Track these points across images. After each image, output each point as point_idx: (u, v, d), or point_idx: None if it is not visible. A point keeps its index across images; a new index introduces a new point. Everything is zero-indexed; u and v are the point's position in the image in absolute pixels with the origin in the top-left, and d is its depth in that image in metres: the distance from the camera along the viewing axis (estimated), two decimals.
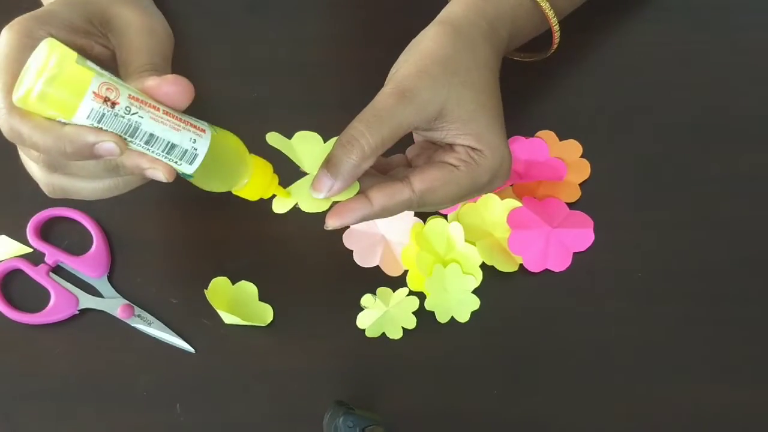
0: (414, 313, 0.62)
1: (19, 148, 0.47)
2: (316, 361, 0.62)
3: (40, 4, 0.50)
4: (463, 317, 0.63)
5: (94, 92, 0.40)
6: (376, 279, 0.63)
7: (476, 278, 0.63)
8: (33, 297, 0.63)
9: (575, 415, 0.61)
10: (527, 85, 0.68)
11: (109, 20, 0.47)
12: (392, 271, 0.64)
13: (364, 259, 0.64)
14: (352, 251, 0.64)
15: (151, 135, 0.42)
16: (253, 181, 0.48)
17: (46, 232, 0.65)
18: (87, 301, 0.63)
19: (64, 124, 0.41)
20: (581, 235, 0.65)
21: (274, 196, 0.51)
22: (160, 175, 0.44)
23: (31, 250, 0.64)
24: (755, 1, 0.74)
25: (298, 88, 0.70)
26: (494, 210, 0.64)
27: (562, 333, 0.63)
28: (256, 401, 0.61)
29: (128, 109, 0.41)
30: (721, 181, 0.67)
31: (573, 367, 0.62)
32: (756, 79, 0.71)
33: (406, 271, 0.64)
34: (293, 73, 0.70)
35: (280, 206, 0.52)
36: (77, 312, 0.63)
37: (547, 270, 0.64)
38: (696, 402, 0.62)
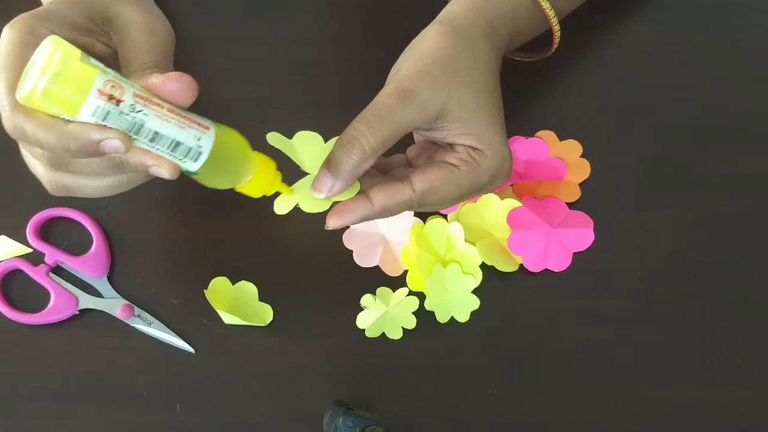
0: (414, 313, 0.62)
1: (21, 146, 0.47)
2: (316, 361, 0.62)
3: (40, 4, 0.50)
4: (463, 317, 0.63)
5: (98, 90, 0.40)
6: (376, 279, 0.63)
7: (476, 278, 0.63)
8: (33, 297, 0.63)
9: (575, 415, 0.61)
10: (527, 85, 0.68)
11: (111, 19, 0.47)
12: (392, 271, 0.64)
13: (364, 259, 0.64)
14: (352, 251, 0.64)
15: (156, 133, 0.42)
16: (256, 178, 0.48)
17: (46, 232, 0.65)
18: (87, 302, 0.63)
19: (68, 121, 0.41)
20: (581, 235, 0.65)
21: (277, 193, 0.51)
22: (165, 173, 0.44)
23: (30, 250, 0.64)
24: (755, 1, 0.74)
25: (298, 88, 0.70)
26: (494, 210, 0.64)
27: (562, 333, 0.63)
28: (256, 401, 0.61)
29: (133, 106, 0.41)
30: (721, 181, 0.67)
31: (573, 367, 0.62)
32: (756, 79, 0.71)
33: (406, 271, 0.64)
34: (293, 73, 0.70)
35: (281, 207, 0.52)
36: (77, 312, 0.62)
37: (547, 270, 0.64)
38: (696, 402, 0.62)
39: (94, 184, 0.47)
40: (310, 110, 0.67)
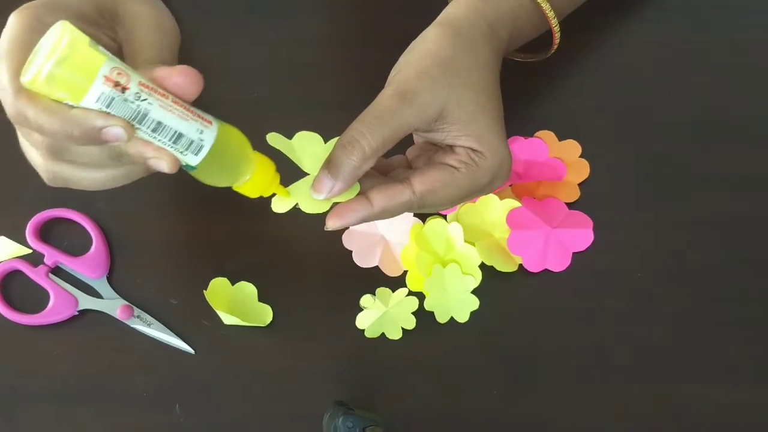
0: (413, 313, 0.62)
1: (19, 135, 0.46)
2: (316, 362, 0.62)
3: None
4: (462, 317, 0.63)
5: (105, 76, 0.40)
6: (376, 279, 0.63)
7: (476, 278, 0.63)
8: (32, 298, 0.63)
9: (575, 415, 0.61)
10: (527, 85, 0.68)
11: (118, 13, 0.47)
12: (392, 272, 0.64)
13: (364, 259, 0.64)
14: (351, 251, 0.64)
15: (159, 123, 0.42)
16: (255, 178, 0.48)
17: (46, 233, 0.65)
18: (86, 302, 0.63)
19: (72, 107, 0.41)
20: (581, 235, 0.65)
21: (273, 195, 0.51)
22: (164, 165, 0.44)
23: (30, 251, 0.64)
24: (755, 1, 0.74)
25: (298, 88, 0.70)
26: (494, 210, 0.64)
27: (562, 333, 0.63)
28: (255, 402, 0.61)
29: (138, 95, 0.41)
30: (720, 181, 0.67)
31: (572, 367, 0.62)
32: (756, 79, 0.71)
33: (405, 272, 0.64)
34: (293, 73, 0.70)
35: (279, 206, 0.52)
36: (77, 313, 0.63)
37: (546, 270, 0.64)
38: (696, 402, 0.62)
39: (92, 176, 0.46)
40: (310, 110, 0.67)
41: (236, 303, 0.63)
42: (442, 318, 0.63)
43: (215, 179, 0.47)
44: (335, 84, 0.70)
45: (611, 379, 0.62)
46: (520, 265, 0.64)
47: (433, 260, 0.63)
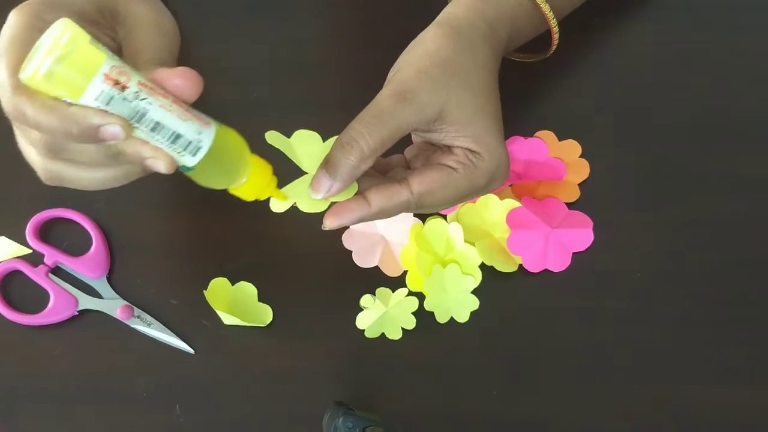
0: (413, 313, 0.62)
1: (17, 132, 0.46)
2: (316, 362, 0.62)
3: None
4: (462, 317, 0.63)
5: (105, 74, 0.40)
6: (376, 279, 0.63)
7: (475, 278, 0.63)
8: (32, 298, 0.63)
9: (575, 416, 0.61)
10: (526, 85, 0.68)
11: (119, 13, 0.47)
12: (391, 272, 0.64)
13: (364, 259, 0.64)
14: (351, 252, 0.64)
15: (158, 123, 0.42)
16: (251, 180, 0.48)
17: (46, 233, 0.65)
18: (86, 302, 0.63)
19: (70, 104, 0.41)
20: (580, 235, 0.65)
21: (269, 198, 0.51)
22: (161, 165, 0.43)
23: (30, 251, 0.64)
24: (755, 1, 0.74)
25: (298, 88, 0.70)
26: (493, 210, 0.64)
27: (562, 333, 0.63)
28: (255, 402, 0.61)
29: (137, 94, 0.41)
30: (720, 182, 0.67)
31: (572, 368, 0.62)
32: (756, 79, 0.71)
33: (405, 272, 0.64)
34: (293, 73, 0.70)
35: (278, 205, 0.52)
36: (76, 313, 0.63)
37: (546, 270, 0.64)
38: (696, 402, 0.62)
39: (89, 176, 0.46)
40: (310, 110, 0.67)
41: (236, 303, 0.63)
42: (442, 318, 0.63)
43: (212, 181, 0.47)
44: (335, 84, 0.70)
45: (611, 379, 0.62)
46: (520, 266, 0.64)
47: (433, 260, 0.63)
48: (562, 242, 0.64)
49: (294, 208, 0.52)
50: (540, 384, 0.62)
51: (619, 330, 0.63)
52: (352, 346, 0.63)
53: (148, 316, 0.63)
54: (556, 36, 0.62)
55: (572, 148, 0.68)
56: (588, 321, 0.64)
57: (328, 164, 0.49)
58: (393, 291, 0.62)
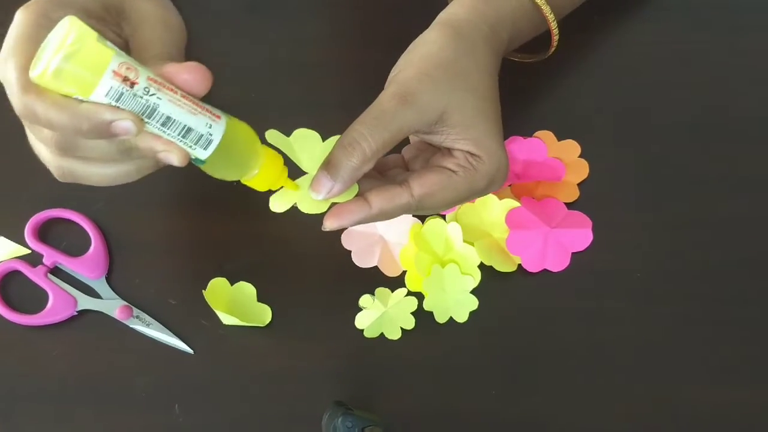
0: (412, 313, 0.62)
1: (28, 131, 0.46)
2: (315, 362, 0.62)
3: None
4: (461, 317, 0.63)
5: (113, 71, 0.40)
6: (375, 279, 0.63)
7: (475, 278, 0.63)
8: (31, 298, 0.63)
9: (574, 415, 0.61)
10: (526, 85, 0.68)
11: (124, 9, 0.47)
12: (391, 272, 0.64)
13: (363, 259, 0.64)
14: (350, 252, 0.64)
15: (168, 117, 0.42)
16: (263, 171, 0.48)
17: (44, 233, 0.65)
18: (85, 303, 0.63)
19: (81, 101, 0.41)
20: (580, 235, 0.65)
21: (281, 187, 0.50)
22: (174, 159, 0.43)
23: (29, 251, 0.64)
24: (755, 1, 0.74)
25: (298, 88, 0.70)
26: (493, 210, 0.64)
27: (561, 333, 0.63)
28: (254, 402, 0.61)
29: (147, 89, 0.41)
30: (720, 182, 0.67)
31: (572, 367, 0.62)
32: (755, 79, 0.71)
33: (404, 272, 0.64)
34: (293, 73, 0.70)
35: (277, 205, 0.52)
36: (75, 313, 0.63)
37: (545, 270, 0.64)
38: (695, 402, 0.62)
39: (102, 171, 0.46)
40: (310, 110, 0.67)
41: (235, 303, 0.63)
42: (441, 318, 0.63)
43: (224, 173, 0.47)
44: (335, 84, 0.70)
45: (610, 379, 0.62)
46: (519, 265, 0.64)
47: (432, 260, 0.63)
48: (561, 242, 0.64)
49: (293, 209, 0.51)
50: (539, 384, 0.62)
51: (619, 330, 0.63)
52: (351, 346, 0.63)
53: (147, 316, 0.63)
54: (555, 37, 0.62)
55: (571, 148, 0.68)
56: (587, 321, 0.64)
57: (329, 165, 0.49)
58: (392, 291, 0.62)
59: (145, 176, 0.48)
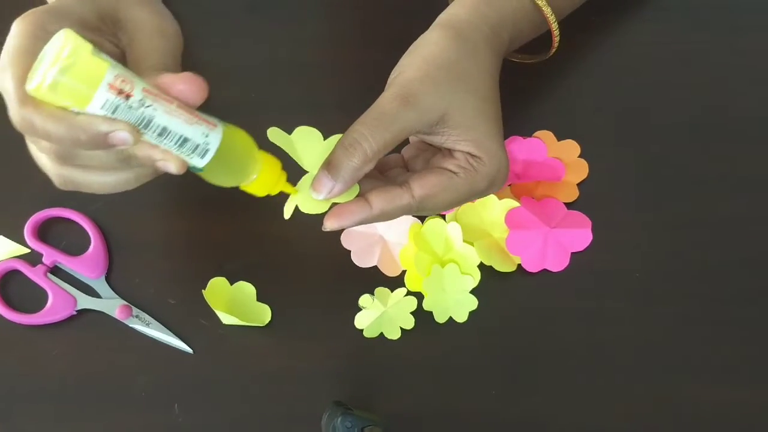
0: (412, 313, 0.62)
1: (27, 140, 0.47)
2: (314, 362, 0.62)
3: (45, 1, 0.50)
4: (461, 317, 0.63)
5: (109, 83, 0.40)
6: (375, 279, 0.63)
7: (474, 278, 0.63)
8: (31, 298, 0.63)
9: (574, 415, 0.61)
10: (525, 84, 0.68)
11: (120, 19, 0.47)
12: (390, 272, 0.64)
13: (363, 259, 0.64)
14: (350, 251, 0.64)
15: (164, 128, 0.42)
16: (261, 177, 0.48)
17: (44, 232, 0.65)
18: (85, 302, 0.63)
19: (78, 113, 0.41)
20: (579, 235, 0.65)
21: (281, 193, 0.51)
22: (172, 167, 0.44)
23: (28, 250, 0.64)
24: (755, 1, 0.74)
25: (298, 88, 0.70)
26: (492, 210, 0.64)
27: (561, 333, 0.63)
28: (254, 402, 0.61)
29: (142, 101, 0.41)
30: (719, 182, 0.67)
31: (572, 367, 0.62)
32: (755, 79, 0.71)
33: (404, 272, 0.64)
34: (293, 73, 0.70)
35: (288, 211, 0.52)
36: (75, 313, 0.62)
37: (545, 270, 0.64)
38: (695, 402, 0.62)
39: (102, 180, 0.47)
40: (309, 110, 0.66)
41: (235, 303, 0.63)
42: (440, 318, 0.63)
43: (222, 180, 0.47)
44: (335, 84, 0.70)
45: (610, 379, 0.62)
46: (519, 265, 0.64)
47: (432, 260, 0.63)
48: (560, 242, 0.64)
49: (296, 209, 0.51)
50: (539, 384, 0.62)
51: (618, 330, 0.63)
52: (350, 346, 0.63)
53: (146, 315, 0.63)
54: (556, 37, 0.62)
55: (571, 148, 0.68)
56: (587, 321, 0.64)
57: (330, 165, 0.49)
58: (392, 291, 0.62)
59: (149, 180, 0.48)
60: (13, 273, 0.63)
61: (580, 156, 0.67)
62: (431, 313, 0.63)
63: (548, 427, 0.61)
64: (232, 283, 0.63)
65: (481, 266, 0.63)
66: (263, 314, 0.63)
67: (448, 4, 0.58)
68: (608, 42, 0.72)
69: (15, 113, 0.42)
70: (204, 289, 0.62)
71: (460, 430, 0.61)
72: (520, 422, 0.61)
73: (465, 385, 0.62)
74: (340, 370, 0.62)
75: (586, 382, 0.62)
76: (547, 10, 0.60)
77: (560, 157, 0.67)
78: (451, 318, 0.63)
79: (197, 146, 0.44)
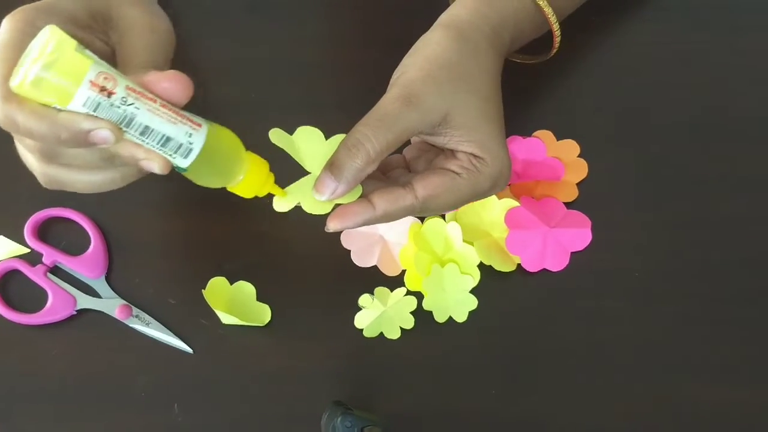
0: (412, 313, 0.62)
1: (15, 140, 0.47)
2: (314, 361, 0.62)
3: None
4: (461, 317, 0.63)
5: (91, 81, 0.40)
6: (374, 279, 0.63)
7: (474, 278, 0.63)
8: (30, 297, 0.63)
9: (573, 415, 0.61)
10: (525, 84, 0.68)
11: (111, 17, 0.47)
12: (390, 271, 0.64)
13: (362, 259, 0.64)
14: (350, 251, 0.64)
15: (147, 127, 0.42)
16: (248, 178, 0.48)
17: (44, 232, 0.65)
18: (85, 302, 0.63)
19: (60, 110, 0.41)
20: (579, 234, 0.65)
21: (269, 194, 0.51)
22: (155, 167, 0.44)
23: (28, 250, 0.64)
24: (755, 1, 0.74)
25: (298, 88, 0.70)
26: (492, 210, 0.64)
27: (560, 332, 0.63)
28: (254, 401, 0.61)
29: (124, 99, 0.41)
30: (719, 182, 0.67)
31: (571, 367, 0.62)
32: (755, 79, 0.71)
33: (404, 271, 0.64)
34: (293, 73, 0.70)
35: (281, 205, 0.52)
36: (75, 312, 0.62)
37: (544, 270, 0.64)
38: (695, 401, 0.62)
39: (87, 179, 0.47)
40: (310, 110, 0.66)
41: (235, 302, 0.63)
42: (440, 317, 0.63)
43: (208, 180, 0.47)
44: (335, 84, 0.70)
45: (610, 378, 0.62)
46: (519, 265, 0.64)
47: (432, 260, 0.63)
48: (560, 242, 0.64)
49: (296, 208, 0.51)
50: (539, 383, 0.62)
51: (618, 329, 0.63)
52: (350, 346, 0.62)
53: (146, 315, 0.63)
54: (557, 38, 0.62)
55: (571, 147, 0.68)
56: (586, 320, 0.64)
57: (332, 166, 0.49)
58: (391, 290, 0.62)
59: (143, 176, 0.48)
60: (13, 273, 0.64)
61: (579, 156, 0.67)
62: (431, 312, 0.63)
63: (548, 427, 0.61)
64: (232, 283, 0.63)
65: (481, 266, 0.64)
66: (263, 314, 0.63)
67: (448, 5, 0.58)
68: (608, 42, 0.72)
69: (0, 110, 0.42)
70: (204, 288, 0.62)
71: (460, 430, 0.61)
72: (519, 422, 0.61)
73: (465, 385, 0.62)
74: (340, 370, 0.62)
75: (585, 382, 0.62)
76: (548, 10, 0.60)
77: (560, 157, 0.67)
78: (450, 318, 0.63)
79: (180, 146, 0.44)
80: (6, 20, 0.44)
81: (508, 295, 0.64)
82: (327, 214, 0.51)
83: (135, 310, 0.63)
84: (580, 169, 0.67)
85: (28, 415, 0.61)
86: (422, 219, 0.64)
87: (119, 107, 0.41)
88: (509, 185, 0.66)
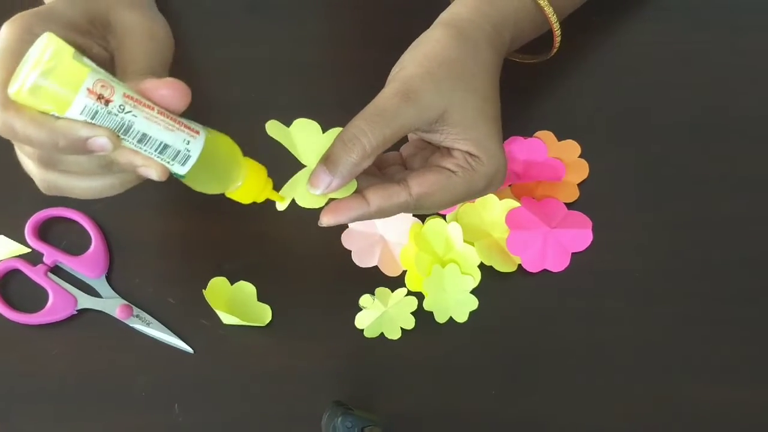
0: (412, 313, 0.62)
1: (15, 146, 0.47)
2: (315, 362, 0.62)
3: (41, 3, 0.50)
4: (461, 317, 0.63)
5: (88, 89, 0.40)
6: (375, 279, 0.63)
7: (475, 278, 0.63)
8: (31, 297, 0.63)
9: (574, 415, 0.61)
10: (526, 84, 0.68)
11: (110, 22, 0.47)
12: (391, 272, 0.64)
13: (363, 259, 0.64)
14: (350, 251, 0.64)
15: (144, 134, 0.42)
16: (246, 184, 0.48)
17: (45, 232, 0.65)
18: (85, 302, 0.63)
19: (58, 118, 0.41)
20: (579, 235, 0.65)
21: (267, 200, 0.51)
22: (153, 174, 0.44)
23: (29, 250, 0.64)
24: (755, 2, 0.74)
25: (298, 89, 0.70)
26: (493, 210, 0.64)
27: (561, 333, 0.63)
28: (254, 401, 0.61)
29: (122, 107, 0.41)
30: (720, 181, 0.67)
31: (572, 367, 0.62)
32: (756, 79, 0.71)
33: (404, 272, 0.64)
34: (293, 73, 0.70)
35: (280, 204, 0.52)
36: (75, 312, 0.62)
37: (545, 270, 0.64)
38: (695, 402, 0.62)
39: (85, 185, 0.47)
40: (310, 110, 0.66)
41: (235, 302, 0.63)
42: (441, 318, 0.63)
43: (206, 187, 0.47)
44: (335, 84, 0.70)
45: (610, 378, 0.62)
46: (519, 265, 0.64)
47: (432, 260, 0.63)
48: (561, 242, 0.64)
49: (294, 206, 0.51)
50: (539, 384, 0.62)
51: (618, 329, 0.63)
52: (351, 346, 0.62)
53: (147, 315, 0.63)
54: (558, 37, 0.62)
55: (571, 148, 0.68)
56: (587, 321, 0.64)
57: (328, 160, 0.49)
58: (392, 291, 0.62)
59: (133, 186, 0.48)
60: (14, 272, 0.63)
61: (580, 156, 0.67)
62: (431, 313, 0.63)
63: (548, 427, 0.61)
64: (232, 283, 0.63)
65: (482, 266, 0.63)
66: (263, 314, 0.63)
67: (448, 3, 0.58)
68: (609, 42, 0.72)
69: None
70: (204, 288, 0.62)
71: (460, 430, 0.61)
72: (519, 422, 0.61)
73: (465, 385, 0.62)
74: (340, 370, 0.62)
75: (585, 382, 0.62)
76: (549, 10, 0.60)
77: (561, 157, 0.67)
78: (451, 318, 0.63)
79: (178, 153, 0.44)
80: (4, 27, 0.44)
81: (508, 295, 0.64)
82: (322, 208, 0.51)
83: (135, 310, 0.63)
84: (581, 170, 0.67)
85: (27, 415, 0.61)
86: (423, 219, 0.64)
87: (117, 115, 0.41)
88: (510, 186, 0.66)
